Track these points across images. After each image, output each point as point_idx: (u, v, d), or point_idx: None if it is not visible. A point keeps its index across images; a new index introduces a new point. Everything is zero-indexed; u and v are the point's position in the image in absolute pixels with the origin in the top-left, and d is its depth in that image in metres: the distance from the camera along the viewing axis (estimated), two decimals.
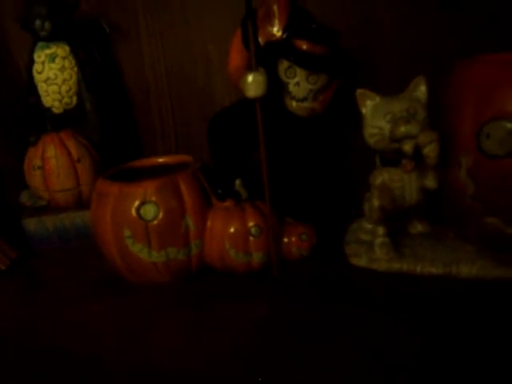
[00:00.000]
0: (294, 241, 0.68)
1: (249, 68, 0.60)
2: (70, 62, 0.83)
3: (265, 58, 0.63)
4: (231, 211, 0.65)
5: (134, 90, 0.93)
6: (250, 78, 0.59)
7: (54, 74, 0.83)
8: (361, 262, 0.66)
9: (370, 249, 0.66)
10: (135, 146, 0.95)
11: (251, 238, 0.65)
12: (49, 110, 0.85)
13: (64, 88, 0.83)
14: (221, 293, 0.64)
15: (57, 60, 0.83)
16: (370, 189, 0.66)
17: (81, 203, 0.83)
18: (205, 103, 0.89)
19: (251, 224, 0.65)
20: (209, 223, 0.65)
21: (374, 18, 0.79)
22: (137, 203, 0.62)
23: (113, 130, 0.89)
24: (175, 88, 0.91)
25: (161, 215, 0.62)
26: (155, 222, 0.62)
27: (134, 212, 0.62)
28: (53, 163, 0.81)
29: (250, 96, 0.59)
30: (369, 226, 0.69)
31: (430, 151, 0.59)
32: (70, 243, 0.82)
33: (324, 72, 0.67)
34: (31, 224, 0.82)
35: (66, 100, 0.84)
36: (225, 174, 0.71)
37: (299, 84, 0.68)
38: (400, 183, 0.64)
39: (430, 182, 0.62)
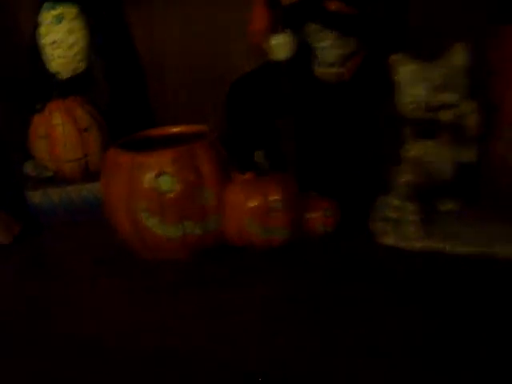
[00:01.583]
0: (319, 216, 0.64)
1: (275, 30, 0.56)
2: (78, 25, 0.79)
3: (291, 19, 0.59)
4: (251, 184, 0.62)
5: (145, 57, 0.89)
6: (276, 40, 0.55)
7: (60, 36, 0.78)
8: (388, 240, 0.63)
9: (398, 226, 0.63)
10: (146, 115, 0.91)
11: (272, 213, 0.61)
12: (55, 75, 0.81)
13: (71, 52, 0.79)
14: (239, 271, 0.61)
15: (63, 22, 0.78)
16: (401, 162, 0.62)
17: (88, 174, 0.79)
18: (221, 71, 0.85)
19: (272, 198, 0.61)
20: (227, 197, 0.61)
21: None
22: (152, 174, 0.59)
23: (123, 98, 0.85)
24: (189, 55, 0.87)
25: (177, 187, 0.59)
26: (171, 195, 0.59)
27: (148, 184, 0.58)
28: (59, 131, 0.77)
29: (276, 59, 0.56)
30: (397, 203, 0.66)
31: (469, 122, 0.55)
32: (77, 217, 0.79)
33: (354, 35, 0.63)
34: (36, 196, 0.78)
35: (73, 65, 0.80)
36: (245, 145, 0.67)
37: (327, 48, 0.63)
38: (434, 156, 0.60)
39: (467, 155, 0.58)
